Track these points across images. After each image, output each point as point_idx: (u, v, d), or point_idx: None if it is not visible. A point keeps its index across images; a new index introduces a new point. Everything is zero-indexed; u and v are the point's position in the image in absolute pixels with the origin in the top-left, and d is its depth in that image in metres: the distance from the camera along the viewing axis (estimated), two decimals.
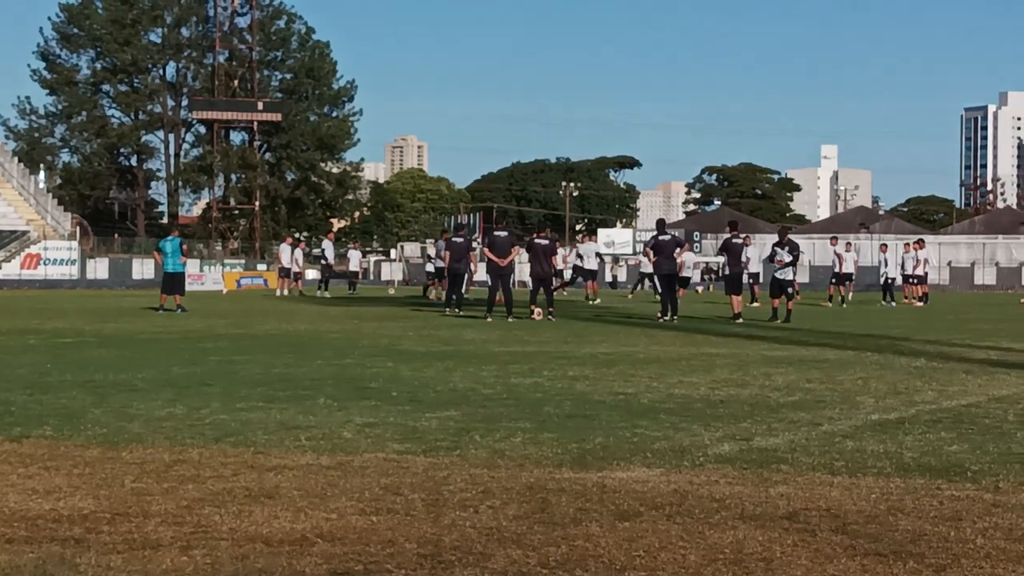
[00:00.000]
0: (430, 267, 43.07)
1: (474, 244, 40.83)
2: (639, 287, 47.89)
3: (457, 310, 28.79)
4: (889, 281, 42.05)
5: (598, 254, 46.66)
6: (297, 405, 10.46)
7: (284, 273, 47.34)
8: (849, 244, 44.92)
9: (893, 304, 39.43)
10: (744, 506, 6.37)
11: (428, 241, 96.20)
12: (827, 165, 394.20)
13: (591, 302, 37.70)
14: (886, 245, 46.99)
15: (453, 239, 30.55)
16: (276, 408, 10.25)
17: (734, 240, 28.88)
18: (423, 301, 38.97)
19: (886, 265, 43.08)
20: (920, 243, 43.92)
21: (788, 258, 27.43)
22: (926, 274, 42.51)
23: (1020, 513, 6.30)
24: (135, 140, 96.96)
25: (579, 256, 41.94)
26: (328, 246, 49.11)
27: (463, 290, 30.95)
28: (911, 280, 41.76)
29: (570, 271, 43.22)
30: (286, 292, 45.87)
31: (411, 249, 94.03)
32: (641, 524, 5.96)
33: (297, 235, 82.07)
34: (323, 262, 48.00)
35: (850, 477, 7.22)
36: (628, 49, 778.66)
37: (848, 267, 40.59)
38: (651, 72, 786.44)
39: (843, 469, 7.48)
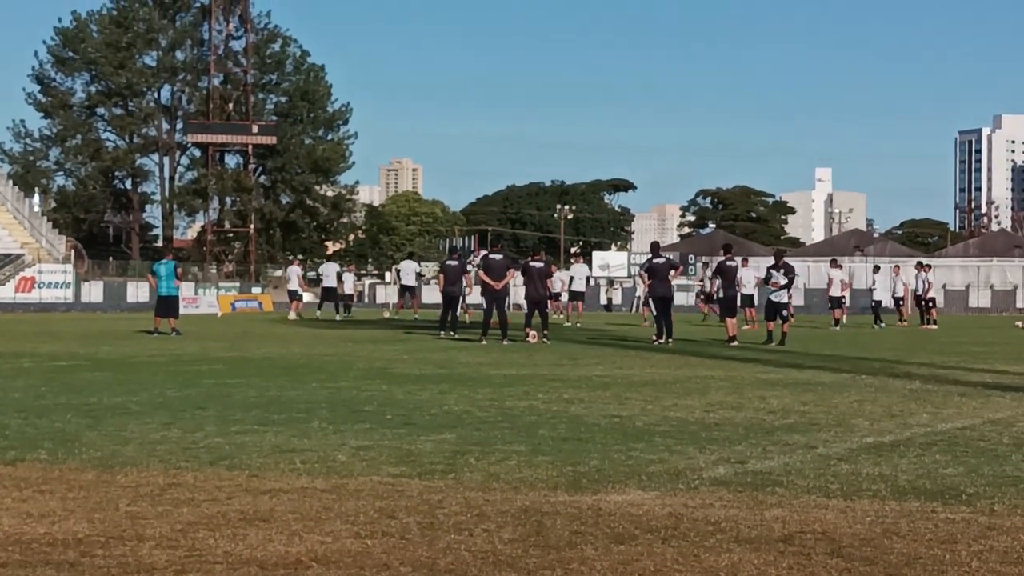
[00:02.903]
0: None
1: (469, 267, 40.93)
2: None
3: (452, 333, 28.79)
4: (885, 303, 42.25)
5: (589, 277, 46.77)
6: (292, 428, 10.45)
7: (294, 295, 46.81)
8: (835, 262, 44.78)
9: (883, 326, 39.51)
10: (739, 529, 6.37)
11: (424, 264, 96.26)
12: (822, 188, 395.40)
13: (576, 324, 37.84)
14: (879, 267, 47.14)
15: (447, 262, 30.61)
16: (271, 431, 10.24)
17: (728, 263, 28.90)
18: (417, 324, 38.89)
19: (899, 287, 43.26)
20: (920, 266, 44.11)
21: (783, 281, 27.48)
22: (932, 297, 42.63)
23: (1015, 536, 6.30)
24: (130, 163, 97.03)
25: (570, 278, 42.07)
26: (325, 269, 48.66)
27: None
28: (922, 302, 41.94)
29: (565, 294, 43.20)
30: (292, 316, 45.32)
31: None
32: (636, 547, 5.96)
33: (294, 257, 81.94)
34: (323, 286, 47.55)
35: (845, 500, 7.22)
36: (623, 72, 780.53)
37: (835, 290, 40.62)
38: (646, 95, 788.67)
39: (838, 492, 7.48)
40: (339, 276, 46.35)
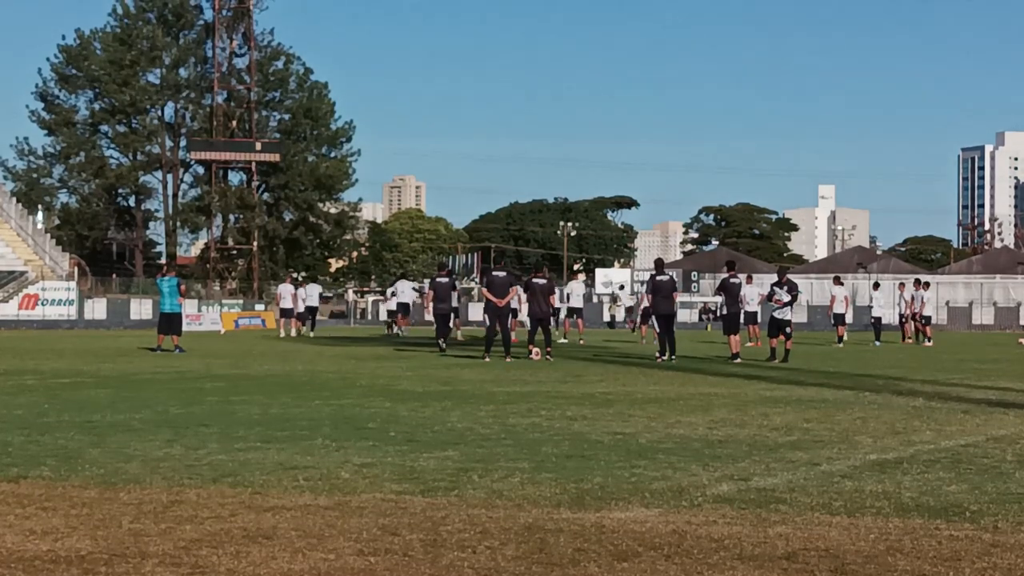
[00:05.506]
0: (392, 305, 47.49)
1: (473, 284, 41.01)
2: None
3: (441, 342, 29.02)
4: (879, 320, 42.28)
5: (587, 294, 46.82)
6: (295, 445, 10.45)
7: (287, 314, 47.00)
8: (837, 279, 44.80)
9: (878, 344, 39.39)
10: (742, 546, 6.37)
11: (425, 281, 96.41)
12: (825, 205, 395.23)
13: (580, 341, 37.81)
14: (878, 284, 47.15)
15: (436, 279, 30.71)
16: (274, 448, 10.24)
17: (732, 280, 28.89)
18: (420, 340, 38.93)
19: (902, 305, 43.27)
20: (918, 283, 44.02)
21: (787, 298, 27.48)
22: (928, 316, 42.54)
23: (1019, 553, 6.29)
24: (133, 181, 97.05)
25: (567, 295, 42.02)
26: (310, 290, 49.16)
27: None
28: (918, 320, 41.93)
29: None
30: (293, 332, 45.44)
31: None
32: (639, 564, 5.95)
33: (296, 275, 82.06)
34: (307, 305, 48.02)
35: (848, 517, 7.21)
36: (626, 90, 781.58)
37: (838, 307, 40.63)
38: (649, 112, 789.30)
39: (841, 509, 7.47)
40: (321, 296, 47.56)
